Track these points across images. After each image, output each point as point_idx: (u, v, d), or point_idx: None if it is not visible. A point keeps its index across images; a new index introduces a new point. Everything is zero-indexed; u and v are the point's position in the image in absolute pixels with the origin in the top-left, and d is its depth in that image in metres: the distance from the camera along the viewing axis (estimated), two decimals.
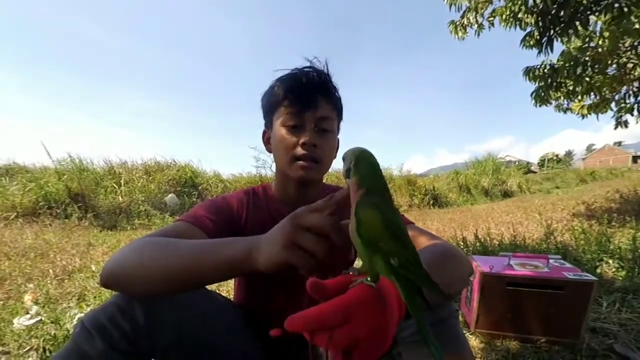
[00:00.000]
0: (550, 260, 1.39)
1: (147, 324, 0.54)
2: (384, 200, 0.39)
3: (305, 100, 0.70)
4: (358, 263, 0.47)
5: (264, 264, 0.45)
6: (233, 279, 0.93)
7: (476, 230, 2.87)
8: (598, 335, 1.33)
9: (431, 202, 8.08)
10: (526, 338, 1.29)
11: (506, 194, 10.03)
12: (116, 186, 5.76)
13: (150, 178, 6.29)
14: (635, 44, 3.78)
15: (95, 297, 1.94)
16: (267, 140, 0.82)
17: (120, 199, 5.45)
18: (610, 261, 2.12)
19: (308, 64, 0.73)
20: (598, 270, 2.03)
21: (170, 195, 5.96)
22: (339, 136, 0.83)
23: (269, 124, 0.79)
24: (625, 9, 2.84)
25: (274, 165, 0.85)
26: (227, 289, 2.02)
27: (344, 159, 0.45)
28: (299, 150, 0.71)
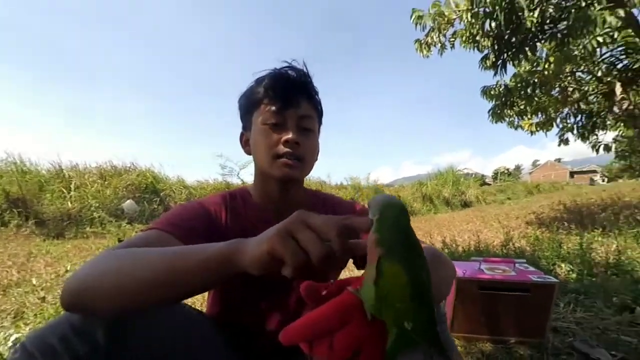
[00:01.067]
0: (516, 264, 1.47)
1: (109, 345, 0.46)
2: (410, 257, 0.34)
3: (286, 98, 0.68)
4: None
5: (251, 254, 0.40)
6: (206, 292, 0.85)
7: (444, 238, 2.99)
8: (559, 334, 1.42)
9: None
10: (498, 339, 1.33)
11: (465, 204, 10.69)
12: (65, 191, 5.26)
13: (106, 183, 5.83)
14: (574, 70, 4.27)
15: (35, 314, 1.71)
16: (245, 142, 0.78)
17: (70, 204, 4.96)
18: (563, 265, 2.31)
19: (286, 65, 0.71)
20: (553, 273, 2.20)
21: (128, 201, 5.53)
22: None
23: (247, 125, 0.75)
24: (566, 39, 3.21)
25: (241, 172, 0.80)
26: (198, 304, 1.88)
27: (369, 206, 0.40)
28: (281, 148, 0.68)
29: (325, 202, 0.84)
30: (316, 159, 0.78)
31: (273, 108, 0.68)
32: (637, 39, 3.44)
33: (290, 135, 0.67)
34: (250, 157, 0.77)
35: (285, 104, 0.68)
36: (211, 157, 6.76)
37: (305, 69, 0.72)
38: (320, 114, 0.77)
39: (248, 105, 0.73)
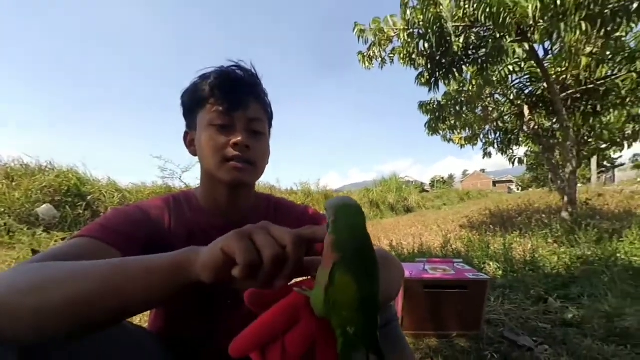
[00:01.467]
0: (455, 264, 1.60)
1: None
2: (362, 266, 0.34)
3: (235, 99, 0.64)
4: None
5: (204, 258, 0.37)
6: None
7: (390, 241, 3.13)
8: (492, 325, 1.56)
9: None
10: (442, 334, 1.42)
11: (408, 209, 11.48)
12: None
13: (14, 184, 4.87)
14: (493, 92, 4.92)
15: None
16: (190, 142, 0.72)
17: None
18: (491, 263, 2.58)
19: (233, 64, 0.67)
20: (484, 271, 2.44)
21: (44, 206, 4.69)
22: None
23: (192, 125, 0.70)
24: (485, 65, 3.70)
25: (184, 175, 0.74)
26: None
27: (326, 208, 0.39)
28: (230, 151, 0.63)
29: (278, 206, 0.81)
30: (267, 163, 0.75)
31: (220, 109, 0.63)
32: (538, 70, 4.12)
33: (239, 138, 0.63)
34: (195, 159, 0.71)
35: (233, 105, 0.64)
36: (149, 158, 6.19)
37: (253, 70, 0.69)
38: (270, 116, 0.74)
39: (192, 103, 0.68)
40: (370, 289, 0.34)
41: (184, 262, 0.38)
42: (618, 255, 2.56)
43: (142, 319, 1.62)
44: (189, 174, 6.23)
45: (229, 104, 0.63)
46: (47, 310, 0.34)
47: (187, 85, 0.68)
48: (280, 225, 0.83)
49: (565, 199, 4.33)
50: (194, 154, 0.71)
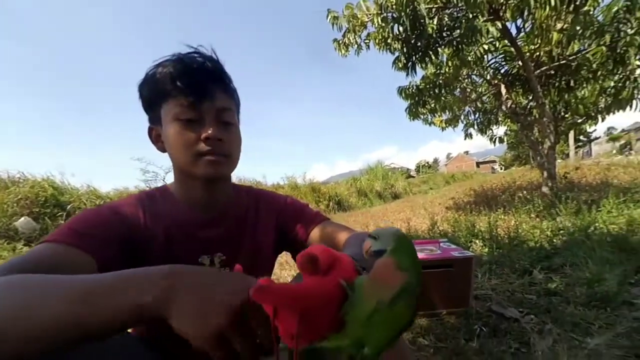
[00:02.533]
0: (441, 244, 1.61)
1: None
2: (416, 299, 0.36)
3: (200, 89, 0.60)
4: None
5: (181, 329, 0.34)
6: None
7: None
8: (480, 300, 1.59)
9: (335, 207, 8.71)
10: (432, 313, 1.44)
11: (395, 196, 11.63)
12: None
13: None
14: (470, 73, 4.96)
15: None
16: (156, 138, 0.67)
17: None
18: (477, 241, 2.63)
19: (192, 50, 0.62)
20: (470, 249, 2.48)
21: (22, 218, 4.51)
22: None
23: (155, 120, 0.65)
24: (460, 46, 3.72)
25: (167, 176, 0.70)
26: None
27: (377, 237, 0.40)
28: (203, 146, 0.60)
29: (259, 198, 0.79)
30: (240, 151, 0.71)
31: (186, 101, 0.59)
32: (512, 49, 4.17)
33: (210, 132, 0.59)
34: None
35: (199, 96, 0.59)
36: (130, 161, 5.97)
37: (214, 55, 0.63)
38: (238, 103, 0.71)
39: (153, 97, 0.63)
40: (406, 327, 0.35)
41: (158, 304, 0.33)
42: (596, 224, 2.66)
43: None
44: (172, 174, 6.07)
45: (195, 96, 0.59)
46: (12, 332, 0.31)
47: (142, 77, 0.62)
48: (262, 215, 0.79)
49: (545, 174, 4.46)
50: (162, 150, 0.67)
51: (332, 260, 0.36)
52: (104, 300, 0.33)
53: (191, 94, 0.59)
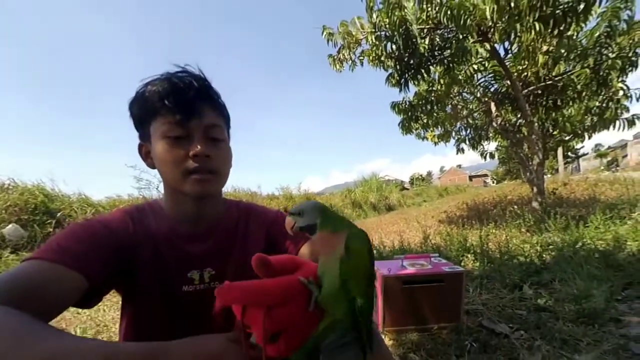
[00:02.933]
0: (432, 258, 1.63)
1: None
2: (367, 242, 0.41)
3: (187, 107, 0.61)
4: None
5: None
6: (119, 320, 0.72)
7: (372, 240, 3.16)
8: (471, 315, 1.60)
9: None
10: (423, 328, 1.45)
11: (390, 208, 11.68)
12: None
13: None
14: (461, 91, 5.11)
15: None
16: (145, 154, 0.68)
17: None
18: (469, 255, 2.65)
19: (180, 69, 0.64)
20: (462, 264, 2.50)
21: (10, 225, 4.38)
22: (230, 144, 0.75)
23: (145, 137, 0.66)
24: (451, 65, 3.84)
25: (161, 185, 0.71)
26: (108, 334, 1.58)
27: (299, 213, 0.44)
28: (191, 164, 0.61)
29: (249, 212, 0.79)
30: (230, 167, 0.72)
31: (173, 119, 0.60)
32: (501, 69, 4.33)
33: (198, 149, 0.60)
34: None
35: (187, 114, 0.60)
36: (124, 169, 5.88)
37: (201, 73, 0.65)
38: (227, 119, 0.72)
39: (142, 115, 0.64)
40: (373, 269, 0.39)
41: None
42: (584, 240, 2.71)
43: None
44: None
45: (182, 114, 0.60)
46: None
47: (133, 95, 0.64)
48: (253, 228, 0.79)
49: (535, 189, 4.55)
50: (151, 166, 0.68)
51: (295, 265, 0.40)
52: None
53: (179, 112, 0.60)
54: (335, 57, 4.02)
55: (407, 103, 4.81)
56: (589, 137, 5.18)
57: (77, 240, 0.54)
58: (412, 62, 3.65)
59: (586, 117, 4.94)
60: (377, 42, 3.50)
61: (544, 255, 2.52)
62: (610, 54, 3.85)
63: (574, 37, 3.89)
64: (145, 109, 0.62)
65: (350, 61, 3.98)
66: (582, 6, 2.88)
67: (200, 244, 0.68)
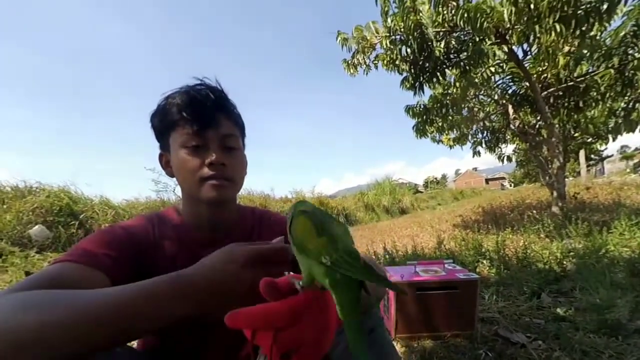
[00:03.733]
0: (445, 265, 1.61)
1: None
2: (317, 212, 0.41)
3: (204, 118, 0.65)
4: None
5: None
6: None
7: (384, 244, 3.15)
8: (486, 323, 1.58)
9: (342, 221, 8.68)
10: (436, 335, 1.43)
11: (403, 211, 11.56)
12: None
13: (5, 207, 4.80)
14: (477, 93, 5.02)
15: None
16: (165, 163, 0.73)
17: None
18: (484, 261, 2.60)
19: (198, 82, 0.68)
20: (477, 270, 2.46)
21: (36, 227, 4.62)
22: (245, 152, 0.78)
23: (165, 147, 0.71)
24: (467, 67, 3.79)
25: (178, 189, 0.75)
26: None
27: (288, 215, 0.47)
28: (207, 171, 0.64)
29: (263, 218, 0.82)
30: (245, 174, 0.76)
31: (191, 130, 0.64)
32: (519, 70, 4.23)
33: (214, 157, 0.64)
34: None
35: (204, 124, 0.65)
36: (143, 172, 6.12)
37: (219, 85, 0.70)
38: (242, 128, 0.76)
39: (163, 126, 0.68)
40: (325, 221, 0.39)
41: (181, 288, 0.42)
42: (608, 247, 2.61)
43: None
44: None
45: (200, 124, 0.64)
46: (41, 344, 0.35)
47: (154, 108, 0.69)
48: (267, 234, 0.83)
49: (555, 193, 4.41)
50: (171, 175, 0.72)
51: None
52: (134, 294, 0.40)
53: (196, 123, 0.64)
54: (350, 61, 4.03)
55: (422, 106, 4.76)
56: (614, 139, 4.98)
57: (101, 244, 0.58)
58: (427, 65, 3.62)
59: (610, 118, 4.75)
60: (391, 46, 3.49)
61: (564, 263, 2.44)
62: (636, 54, 3.70)
63: (598, 37, 3.75)
64: (165, 121, 0.67)
65: (365, 65, 3.98)
66: (605, 6, 2.78)
67: (216, 250, 0.72)
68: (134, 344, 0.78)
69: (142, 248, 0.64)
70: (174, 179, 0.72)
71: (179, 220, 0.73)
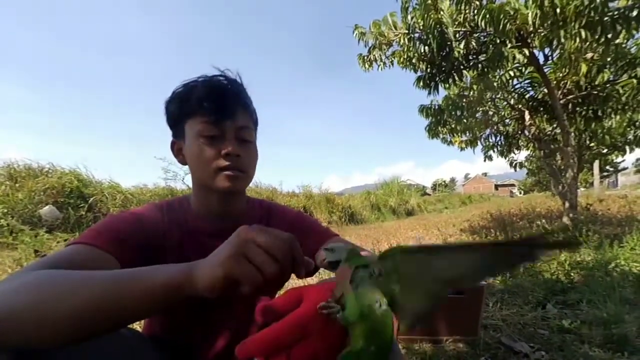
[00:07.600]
0: None
1: None
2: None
3: (223, 109, 0.66)
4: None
5: (206, 280, 0.39)
6: None
7: (390, 245, 3.14)
8: (489, 330, 1.57)
9: (348, 219, 8.69)
10: (437, 339, 1.43)
11: (409, 213, 11.51)
12: None
13: (18, 186, 4.94)
14: (494, 97, 4.93)
15: None
16: (177, 151, 0.73)
17: None
18: None
19: (219, 74, 0.69)
20: None
21: (47, 207, 4.74)
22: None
23: (179, 134, 0.71)
24: (486, 69, 3.71)
25: (187, 177, 0.76)
26: None
27: (332, 250, 0.47)
28: (222, 161, 0.65)
29: (270, 211, 0.83)
30: (255, 168, 0.77)
31: (209, 120, 0.65)
32: (538, 75, 4.13)
33: (230, 148, 0.65)
34: None
35: (222, 115, 0.65)
36: (151, 160, 6.23)
37: (239, 78, 0.71)
38: (256, 123, 0.76)
39: (179, 113, 0.69)
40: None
41: (182, 281, 0.40)
42: (618, 261, 2.56)
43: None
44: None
45: (218, 115, 0.65)
46: (44, 321, 0.36)
47: (170, 94, 0.69)
48: (274, 226, 0.85)
49: (566, 204, 4.32)
50: (182, 163, 0.73)
51: (298, 296, 0.39)
52: (137, 280, 0.40)
53: (215, 113, 0.65)
54: (366, 57, 3.99)
55: (436, 106, 4.70)
56: (631, 151, 4.85)
57: (112, 228, 0.60)
58: (444, 65, 3.56)
59: (629, 129, 4.62)
60: (409, 44, 3.44)
61: (572, 274, 2.41)
62: None
63: (623, 45, 3.64)
64: (182, 109, 0.67)
65: (380, 61, 3.93)
66: (634, 13, 2.69)
67: (223, 239, 0.74)
68: (137, 326, 0.80)
69: (151, 235, 0.65)
70: (185, 167, 0.73)
71: (188, 209, 0.74)
